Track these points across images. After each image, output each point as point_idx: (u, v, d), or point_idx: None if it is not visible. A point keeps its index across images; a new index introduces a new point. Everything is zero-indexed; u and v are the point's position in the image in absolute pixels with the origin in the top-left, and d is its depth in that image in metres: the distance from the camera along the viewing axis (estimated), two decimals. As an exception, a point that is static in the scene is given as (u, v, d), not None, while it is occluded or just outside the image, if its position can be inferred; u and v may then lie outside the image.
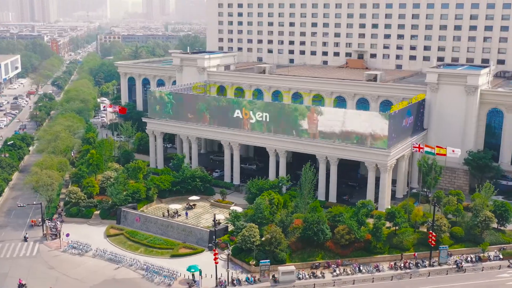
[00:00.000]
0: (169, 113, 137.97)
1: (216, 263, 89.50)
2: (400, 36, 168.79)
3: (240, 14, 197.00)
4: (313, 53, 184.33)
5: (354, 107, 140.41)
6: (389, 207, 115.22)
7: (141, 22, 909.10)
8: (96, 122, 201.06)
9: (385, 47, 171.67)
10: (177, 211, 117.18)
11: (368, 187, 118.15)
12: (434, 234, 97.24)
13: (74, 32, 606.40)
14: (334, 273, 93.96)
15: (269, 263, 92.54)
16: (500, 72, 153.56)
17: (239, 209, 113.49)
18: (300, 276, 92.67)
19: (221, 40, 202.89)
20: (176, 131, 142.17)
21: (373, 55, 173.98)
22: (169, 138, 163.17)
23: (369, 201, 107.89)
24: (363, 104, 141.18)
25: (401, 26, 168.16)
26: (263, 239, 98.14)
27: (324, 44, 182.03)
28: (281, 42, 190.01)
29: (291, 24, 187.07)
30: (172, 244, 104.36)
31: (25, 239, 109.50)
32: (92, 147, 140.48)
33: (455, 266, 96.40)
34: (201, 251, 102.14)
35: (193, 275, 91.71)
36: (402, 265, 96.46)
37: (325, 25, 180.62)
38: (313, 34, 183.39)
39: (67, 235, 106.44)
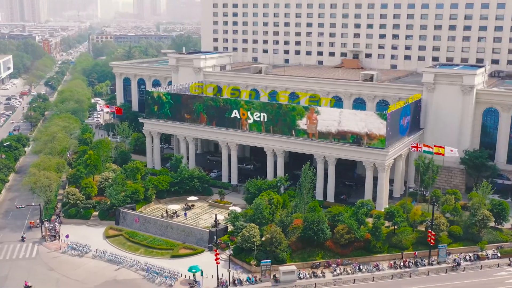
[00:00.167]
0: (167, 113, 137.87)
1: (218, 263, 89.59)
2: (395, 36, 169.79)
3: (235, 14, 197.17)
4: (308, 53, 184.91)
5: (351, 107, 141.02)
6: (387, 206, 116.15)
7: (132, 22, 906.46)
8: (91, 122, 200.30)
9: (380, 47, 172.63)
10: (176, 212, 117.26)
11: (366, 187, 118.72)
12: (433, 233, 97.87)
13: (65, 32, 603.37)
14: (335, 273, 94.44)
15: (270, 263, 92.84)
16: (494, 71, 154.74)
17: (238, 209, 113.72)
18: (301, 275, 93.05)
19: (216, 40, 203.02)
20: (173, 132, 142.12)
21: (368, 55, 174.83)
22: (165, 139, 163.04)
23: (368, 200, 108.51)
24: (359, 104, 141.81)
25: (396, 26, 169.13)
26: (263, 239, 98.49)
27: (319, 44, 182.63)
28: (276, 42, 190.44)
29: (286, 24, 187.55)
30: (172, 245, 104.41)
31: (23, 239, 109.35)
32: (89, 147, 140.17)
33: (454, 264, 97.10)
34: (201, 251, 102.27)
35: (194, 275, 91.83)
36: (402, 264, 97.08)
37: (320, 25, 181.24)
38: (308, 34, 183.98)
39: (67, 236, 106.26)
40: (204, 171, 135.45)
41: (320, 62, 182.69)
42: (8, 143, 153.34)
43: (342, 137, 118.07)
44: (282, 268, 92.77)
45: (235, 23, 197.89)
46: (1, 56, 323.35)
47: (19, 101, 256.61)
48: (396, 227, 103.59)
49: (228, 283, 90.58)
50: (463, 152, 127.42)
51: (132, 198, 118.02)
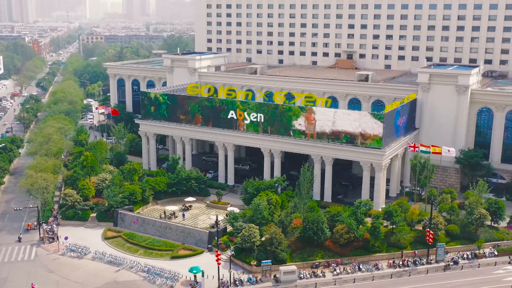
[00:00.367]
0: (163, 114, 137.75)
1: (219, 264, 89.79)
2: (389, 37, 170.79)
3: (228, 15, 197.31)
4: (303, 53, 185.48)
5: (346, 107, 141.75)
6: (384, 206, 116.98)
7: (122, 22, 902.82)
8: (84, 123, 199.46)
9: (374, 47, 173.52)
10: (174, 213, 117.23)
11: (363, 187, 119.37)
12: (431, 232, 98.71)
13: (55, 32, 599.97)
14: (335, 272, 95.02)
15: (270, 263, 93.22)
16: (487, 71, 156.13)
17: (236, 210, 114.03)
18: (301, 275, 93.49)
19: (209, 40, 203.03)
20: (170, 133, 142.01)
21: (362, 55, 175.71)
22: (160, 140, 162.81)
23: (367, 200, 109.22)
24: (355, 104, 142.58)
25: (389, 27, 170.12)
26: (263, 239, 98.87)
27: (314, 44, 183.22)
28: (270, 43, 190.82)
29: (280, 25, 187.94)
30: (171, 246, 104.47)
31: (19, 240, 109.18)
32: (85, 149, 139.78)
33: (447, 263, 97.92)
34: (200, 252, 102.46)
35: (195, 276, 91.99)
36: (401, 263, 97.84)
37: (314, 25, 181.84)
38: (302, 34, 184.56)
39: (66, 238, 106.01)
40: (200, 171, 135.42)
41: (314, 63, 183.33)
42: (3, 144, 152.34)
43: (336, 137, 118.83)
44: (283, 268, 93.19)
45: (228, 24, 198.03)
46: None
47: (11, 102, 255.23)
48: (394, 226, 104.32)
49: (229, 283, 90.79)
50: (459, 152, 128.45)
51: (130, 200, 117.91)
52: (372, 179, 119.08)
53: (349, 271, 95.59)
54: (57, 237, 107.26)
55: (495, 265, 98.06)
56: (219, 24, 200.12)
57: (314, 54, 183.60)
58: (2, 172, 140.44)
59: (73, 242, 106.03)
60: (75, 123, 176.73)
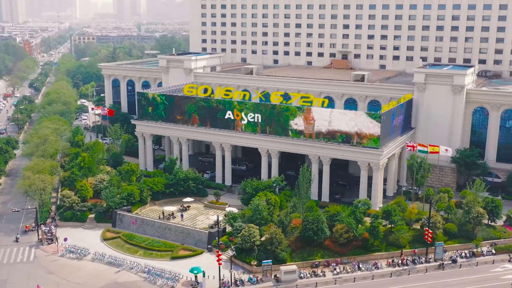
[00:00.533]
0: (161, 114, 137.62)
1: (220, 264, 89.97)
2: (384, 37, 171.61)
3: (223, 15, 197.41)
4: (297, 53, 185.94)
5: (342, 107, 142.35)
6: (381, 205, 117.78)
7: (112, 22, 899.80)
8: (79, 124, 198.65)
9: (369, 47, 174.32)
10: (173, 213, 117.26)
11: (361, 186, 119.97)
12: (430, 231, 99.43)
13: (45, 33, 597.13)
14: (335, 272, 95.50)
15: (271, 263, 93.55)
16: (481, 71, 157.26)
17: (234, 210, 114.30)
18: (302, 275, 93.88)
19: (204, 41, 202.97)
20: (167, 133, 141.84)
21: (357, 56, 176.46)
22: (156, 140, 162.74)
23: (365, 199, 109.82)
24: (351, 104, 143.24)
25: (384, 27, 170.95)
26: (262, 239, 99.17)
27: (308, 44, 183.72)
28: (265, 43, 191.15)
29: (275, 25, 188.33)
30: (171, 246, 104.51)
31: (16, 240, 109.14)
32: (81, 150, 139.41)
33: (449, 261, 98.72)
34: (200, 252, 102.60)
35: (196, 276, 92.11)
36: (400, 262, 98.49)
37: (309, 26, 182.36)
38: (297, 35, 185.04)
39: (65, 239, 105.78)
40: (198, 172, 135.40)
41: (309, 63, 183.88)
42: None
43: (332, 136, 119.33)
44: (284, 268, 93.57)
45: (223, 24, 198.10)
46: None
47: (3, 103, 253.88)
48: (392, 225, 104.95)
49: (230, 283, 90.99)
50: (455, 151, 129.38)
51: (128, 200, 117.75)
52: (369, 178, 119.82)
53: (349, 270, 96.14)
54: (56, 238, 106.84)
55: (493, 263, 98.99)
56: (213, 24, 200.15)
57: (309, 54, 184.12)
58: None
59: (72, 243, 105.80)
60: (70, 124, 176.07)
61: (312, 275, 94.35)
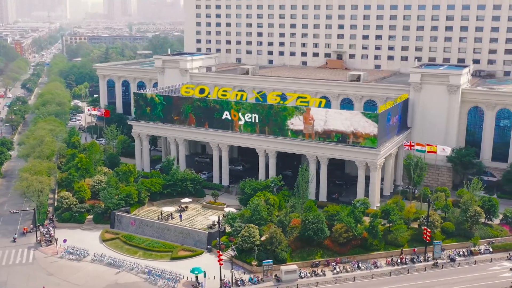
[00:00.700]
0: (159, 115, 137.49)
1: (221, 264, 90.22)
2: (378, 37, 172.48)
3: (218, 15, 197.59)
4: (292, 53, 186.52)
5: (339, 107, 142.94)
6: (379, 204, 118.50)
7: (103, 22, 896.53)
8: (73, 125, 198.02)
9: (364, 47, 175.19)
10: (171, 214, 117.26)
11: (358, 186, 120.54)
12: (428, 230, 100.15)
13: (36, 33, 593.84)
14: (335, 271, 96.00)
15: (272, 263, 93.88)
16: (475, 71, 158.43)
17: (233, 210, 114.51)
18: (302, 275, 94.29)
19: (199, 41, 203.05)
20: (164, 134, 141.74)
21: (352, 56, 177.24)
22: (151, 141, 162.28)
23: (364, 199, 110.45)
24: (347, 104, 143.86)
25: (379, 27, 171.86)
26: (262, 239, 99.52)
27: (303, 45, 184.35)
28: (260, 43, 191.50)
29: (270, 25, 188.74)
30: (170, 247, 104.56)
31: (14, 240, 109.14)
32: (78, 151, 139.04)
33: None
34: (200, 253, 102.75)
35: (196, 277, 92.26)
36: (399, 261, 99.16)
37: (304, 26, 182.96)
38: (292, 35, 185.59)
39: (64, 240, 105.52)
40: (195, 172, 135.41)
41: (304, 63, 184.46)
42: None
43: (327, 136, 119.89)
44: (284, 267, 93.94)
45: (218, 24, 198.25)
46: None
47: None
48: (391, 224, 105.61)
49: (231, 283, 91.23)
50: (451, 150, 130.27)
51: (126, 201, 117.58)
52: (366, 178, 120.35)
53: (349, 269, 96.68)
54: (55, 239, 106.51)
55: (490, 261, 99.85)
56: (208, 24, 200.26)
57: (304, 54, 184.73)
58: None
59: (71, 244, 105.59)
60: (65, 125, 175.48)
61: (312, 275, 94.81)
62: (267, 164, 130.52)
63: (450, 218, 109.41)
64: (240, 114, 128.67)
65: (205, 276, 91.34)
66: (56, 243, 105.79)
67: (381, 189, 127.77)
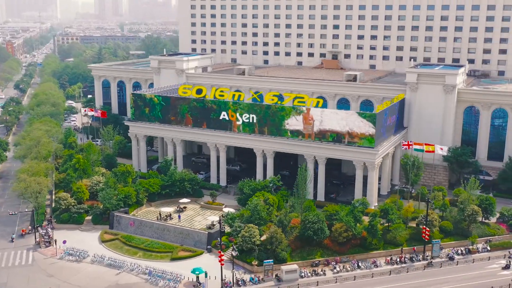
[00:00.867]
0: (158, 115, 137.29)
1: (222, 264, 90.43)
2: (373, 37, 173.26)
3: (213, 16, 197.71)
4: (288, 54, 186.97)
5: (335, 107, 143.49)
6: (376, 204, 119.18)
7: (94, 22, 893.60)
8: (68, 126, 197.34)
9: (359, 47, 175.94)
10: (170, 214, 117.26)
11: (356, 185, 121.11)
12: (427, 229, 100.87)
13: (27, 33, 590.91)
14: (335, 270, 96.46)
15: (272, 263, 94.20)
16: (470, 71, 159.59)
17: (232, 211, 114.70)
18: (303, 274, 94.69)
19: (194, 41, 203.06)
20: (161, 134, 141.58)
21: (347, 56, 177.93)
22: (147, 141, 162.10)
23: (363, 198, 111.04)
24: (343, 104, 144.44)
25: (374, 27, 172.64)
26: (262, 238, 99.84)
27: (299, 45, 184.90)
28: (255, 43, 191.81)
29: (265, 25, 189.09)
30: (170, 248, 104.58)
31: (12, 240, 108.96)
32: (75, 151, 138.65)
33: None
34: (200, 253, 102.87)
35: (197, 277, 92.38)
36: (398, 259, 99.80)
37: (299, 26, 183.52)
38: (288, 35, 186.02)
39: (64, 242, 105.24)
40: (193, 173, 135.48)
41: (300, 63, 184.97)
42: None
43: (323, 136, 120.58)
44: (285, 267, 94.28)
45: (213, 24, 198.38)
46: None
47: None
48: (390, 224, 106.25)
49: (232, 283, 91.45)
50: (448, 150, 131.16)
51: (125, 202, 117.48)
52: (364, 177, 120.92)
53: (349, 268, 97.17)
54: (55, 241, 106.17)
55: (488, 259, 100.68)
56: (203, 25, 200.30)
57: (299, 54, 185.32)
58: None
59: (70, 245, 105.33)
60: (60, 126, 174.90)
61: (313, 274, 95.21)
62: (264, 164, 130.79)
63: (448, 217, 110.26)
64: (237, 114, 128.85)
65: (206, 276, 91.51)
66: (55, 244, 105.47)
67: (378, 189, 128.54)
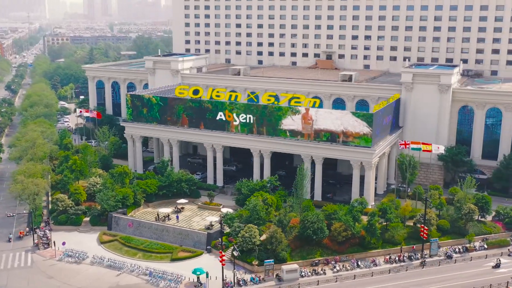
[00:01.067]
0: (156, 116, 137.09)
1: (223, 264, 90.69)
2: (368, 37, 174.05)
3: (207, 16, 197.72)
4: (282, 54, 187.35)
5: (331, 107, 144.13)
6: (373, 203, 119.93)
7: (84, 22, 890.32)
8: (61, 127, 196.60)
9: (353, 47, 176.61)
10: (168, 215, 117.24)
11: (353, 185, 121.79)
12: (425, 227, 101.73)
13: (16, 33, 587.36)
14: (334, 269, 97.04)
15: (273, 263, 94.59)
16: (463, 70, 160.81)
17: (230, 211, 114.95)
18: (303, 273, 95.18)
19: (187, 42, 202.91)
20: (158, 135, 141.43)
21: (341, 56, 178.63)
22: (143, 142, 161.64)
23: (362, 198, 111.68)
24: (339, 104, 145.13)
25: (368, 27, 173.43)
26: (262, 238, 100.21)
27: (293, 45, 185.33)
28: (250, 44, 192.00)
29: (259, 26, 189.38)
30: (169, 248, 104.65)
31: (9, 240, 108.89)
32: (71, 153, 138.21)
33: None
34: (200, 253, 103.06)
35: (198, 277, 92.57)
36: (397, 258, 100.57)
37: (293, 26, 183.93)
38: (282, 35, 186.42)
39: (63, 243, 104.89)
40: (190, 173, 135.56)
41: (294, 63, 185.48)
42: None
43: (317, 135, 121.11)
44: (285, 267, 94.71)
45: (207, 25, 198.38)
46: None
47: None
48: (388, 223, 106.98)
49: (233, 283, 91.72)
50: (444, 149, 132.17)
51: (123, 203, 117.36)
52: (360, 177, 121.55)
53: (348, 268, 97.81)
54: (53, 242, 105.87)
55: (486, 257, 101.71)
56: (197, 25, 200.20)
57: (293, 54, 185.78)
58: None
59: (69, 247, 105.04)
60: (54, 127, 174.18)
61: (313, 274, 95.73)
62: (260, 164, 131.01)
63: (444, 216, 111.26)
64: (234, 114, 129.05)
65: (207, 276, 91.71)
66: (54, 245, 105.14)
67: (375, 188, 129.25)
